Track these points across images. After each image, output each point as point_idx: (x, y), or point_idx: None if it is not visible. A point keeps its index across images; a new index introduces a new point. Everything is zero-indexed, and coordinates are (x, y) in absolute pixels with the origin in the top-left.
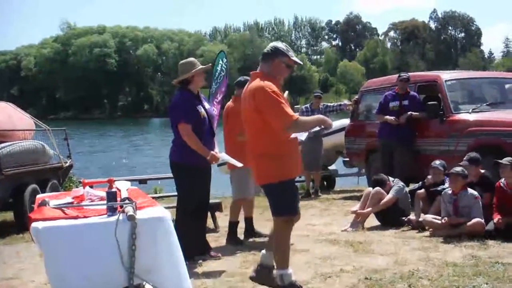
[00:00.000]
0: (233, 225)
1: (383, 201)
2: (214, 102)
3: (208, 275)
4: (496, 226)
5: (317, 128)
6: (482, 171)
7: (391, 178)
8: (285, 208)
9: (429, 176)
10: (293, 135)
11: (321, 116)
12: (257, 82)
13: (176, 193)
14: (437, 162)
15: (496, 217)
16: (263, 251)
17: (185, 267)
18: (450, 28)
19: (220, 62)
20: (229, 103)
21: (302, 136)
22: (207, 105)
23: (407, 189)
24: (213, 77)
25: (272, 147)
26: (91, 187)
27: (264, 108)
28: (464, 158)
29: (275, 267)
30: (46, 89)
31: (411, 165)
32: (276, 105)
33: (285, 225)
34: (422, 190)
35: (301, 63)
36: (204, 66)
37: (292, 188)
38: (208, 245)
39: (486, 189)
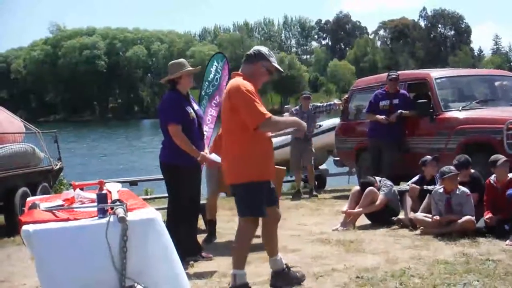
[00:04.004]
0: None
1: (375, 204)
2: (213, 104)
3: (199, 275)
4: (487, 223)
5: (290, 130)
6: (472, 171)
7: (377, 178)
8: (250, 209)
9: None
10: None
11: (296, 119)
12: (233, 81)
13: (167, 195)
14: (428, 157)
15: (487, 215)
16: (270, 260)
17: (182, 267)
18: (439, 26)
19: (215, 64)
20: None
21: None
22: (196, 106)
23: (395, 188)
24: (205, 78)
25: (245, 148)
26: (82, 189)
27: (238, 106)
28: (454, 162)
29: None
30: (36, 91)
31: (400, 164)
32: (249, 103)
33: (248, 226)
34: (413, 185)
35: (282, 70)
36: (191, 68)
37: (261, 191)
38: (199, 246)
39: (475, 189)
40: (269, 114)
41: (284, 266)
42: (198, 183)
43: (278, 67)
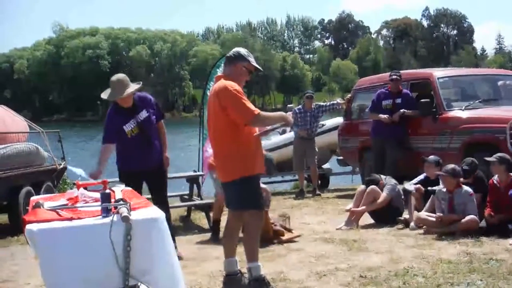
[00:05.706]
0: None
1: (378, 201)
2: None
3: (202, 274)
4: (488, 220)
5: (278, 125)
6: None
7: (383, 176)
8: (255, 201)
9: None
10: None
11: (282, 113)
12: (220, 83)
13: (170, 194)
14: (432, 157)
15: (488, 212)
16: (225, 260)
17: (180, 268)
18: (442, 25)
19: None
20: None
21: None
22: (144, 114)
23: (399, 186)
24: (210, 79)
25: (237, 145)
26: (86, 188)
27: (227, 105)
28: (464, 167)
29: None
30: (39, 91)
31: (404, 163)
32: (238, 101)
33: (258, 217)
34: (419, 186)
35: (261, 69)
36: (125, 94)
37: (258, 183)
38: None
39: (478, 189)
40: (257, 111)
41: (238, 270)
42: (155, 186)
43: (257, 66)
